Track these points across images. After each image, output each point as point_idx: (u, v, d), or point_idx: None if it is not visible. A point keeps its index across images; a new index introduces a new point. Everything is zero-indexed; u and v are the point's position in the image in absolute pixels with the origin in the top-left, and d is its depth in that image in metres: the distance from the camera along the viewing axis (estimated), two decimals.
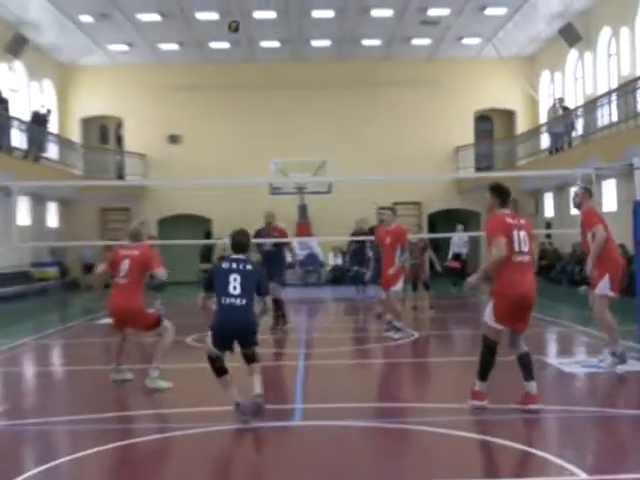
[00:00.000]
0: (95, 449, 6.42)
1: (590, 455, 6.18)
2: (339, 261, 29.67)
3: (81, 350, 13.66)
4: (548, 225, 28.03)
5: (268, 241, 14.15)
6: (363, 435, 7.04)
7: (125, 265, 9.22)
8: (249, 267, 7.71)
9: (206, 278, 8.15)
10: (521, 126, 32.22)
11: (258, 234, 14.21)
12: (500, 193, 7.82)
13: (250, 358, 7.46)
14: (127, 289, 9.28)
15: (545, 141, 28.33)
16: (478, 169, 30.94)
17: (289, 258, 16.64)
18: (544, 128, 28.57)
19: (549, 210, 29.43)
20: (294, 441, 6.99)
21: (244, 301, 7.47)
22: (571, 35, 26.26)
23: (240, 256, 7.80)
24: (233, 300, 7.45)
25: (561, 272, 24.51)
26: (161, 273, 9.45)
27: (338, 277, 29.00)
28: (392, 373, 10.81)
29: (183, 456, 6.53)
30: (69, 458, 6.27)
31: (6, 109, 24.41)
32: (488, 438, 6.52)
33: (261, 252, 14.27)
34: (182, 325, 14.66)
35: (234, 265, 7.65)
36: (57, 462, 6.15)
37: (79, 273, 29.17)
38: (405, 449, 6.64)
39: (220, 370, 7.50)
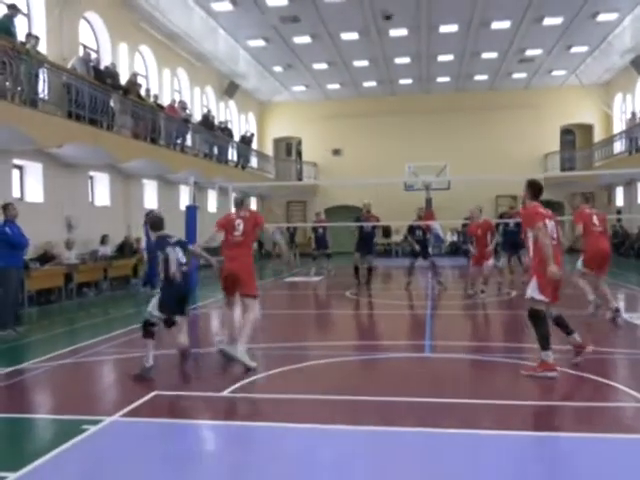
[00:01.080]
0: (282, 368, 6.69)
1: None
2: (455, 238, 29.24)
3: (273, 299, 14.10)
4: (619, 212, 26.24)
5: (366, 224, 14.16)
6: (472, 364, 6.94)
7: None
8: None
9: None
10: (597, 136, 30.25)
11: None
12: (533, 188, 6.46)
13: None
14: None
15: (617, 147, 26.47)
16: (562, 170, 29.41)
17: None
18: (621, 135, 26.64)
19: (619, 200, 27.49)
20: (425, 366, 6.96)
21: None
22: None
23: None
24: None
25: (630, 248, 22.92)
26: None
27: (454, 250, 28.64)
28: (494, 321, 10.58)
29: (346, 374, 6.64)
30: (265, 374, 6.53)
31: (230, 135, 25.61)
32: (573, 372, 6.24)
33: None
34: (343, 282, 14.99)
35: None
36: (258, 376, 6.39)
37: (271, 246, 30.14)
38: (501, 376, 6.49)
39: None
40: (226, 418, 5.14)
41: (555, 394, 5.76)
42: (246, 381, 6.16)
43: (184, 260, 6.65)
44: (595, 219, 8.91)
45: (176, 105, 20.24)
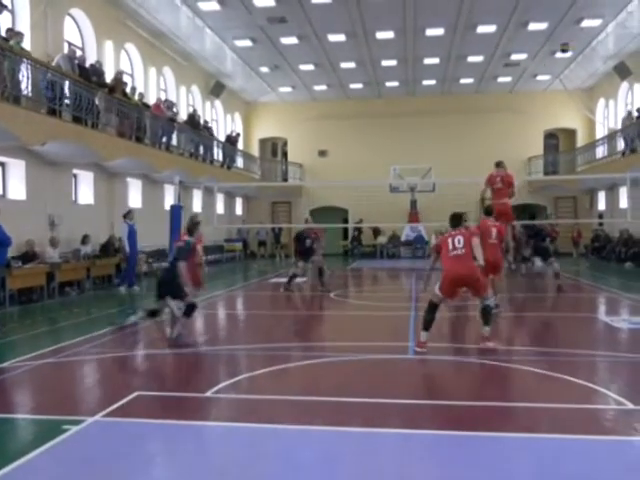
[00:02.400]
0: (265, 369, 6.67)
1: (635, 390, 5.81)
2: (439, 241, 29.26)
3: (257, 300, 14.11)
4: (600, 216, 26.51)
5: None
6: (458, 367, 6.97)
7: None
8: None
9: None
10: (580, 141, 30.57)
11: (302, 234, 14.60)
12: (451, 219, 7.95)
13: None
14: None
15: (599, 152, 26.76)
16: (546, 173, 29.68)
17: None
18: (604, 140, 26.94)
19: (602, 204, 27.78)
20: (407, 369, 6.97)
21: None
22: (623, 71, 24.56)
23: None
24: None
25: (611, 252, 23.15)
26: None
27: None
28: (477, 323, 10.58)
29: (328, 376, 6.66)
30: (249, 374, 6.51)
31: (211, 134, 25.51)
32: (551, 373, 6.28)
33: (302, 246, 14.43)
34: (329, 284, 14.92)
35: None
36: (242, 377, 6.39)
37: (256, 247, 30.10)
38: (485, 377, 6.53)
39: None
40: (209, 419, 5.10)
41: (537, 396, 5.80)
42: (230, 382, 6.14)
43: None
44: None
45: (162, 104, 20.13)
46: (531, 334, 9.38)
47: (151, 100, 20.39)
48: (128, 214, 14.87)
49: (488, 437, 4.55)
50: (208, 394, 5.63)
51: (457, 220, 7.86)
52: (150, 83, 21.43)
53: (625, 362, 6.98)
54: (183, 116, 23.36)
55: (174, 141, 20.55)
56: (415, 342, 7.62)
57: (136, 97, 18.50)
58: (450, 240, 7.63)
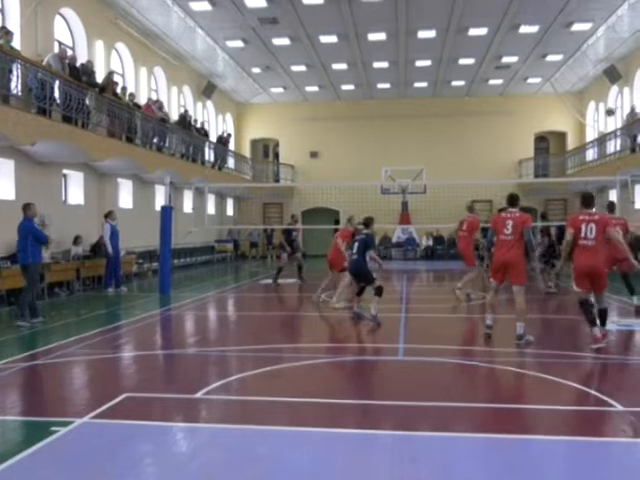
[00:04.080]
0: (256, 371, 6.67)
1: (624, 392, 5.87)
2: (430, 242, 29.33)
3: (248, 301, 14.09)
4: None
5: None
6: (446, 368, 6.98)
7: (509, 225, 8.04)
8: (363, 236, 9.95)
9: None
10: (571, 144, 30.77)
11: (289, 231, 16.40)
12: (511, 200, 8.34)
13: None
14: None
15: (589, 155, 26.93)
16: (536, 176, 29.85)
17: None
18: (594, 143, 27.13)
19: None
20: (398, 370, 6.96)
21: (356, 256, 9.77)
22: (613, 74, 24.77)
23: (364, 230, 9.99)
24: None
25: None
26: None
27: (429, 254, 28.78)
28: (469, 324, 10.65)
29: (319, 376, 6.66)
30: (239, 376, 6.50)
31: (206, 134, 25.47)
32: (540, 375, 6.34)
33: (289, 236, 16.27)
34: (317, 285, 14.96)
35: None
36: (231, 378, 6.38)
37: (247, 248, 30.07)
38: (473, 379, 6.57)
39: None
40: (199, 420, 5.08)
41: (526, 397, 5.83)
42: (220, 383, 6.12)
43: None
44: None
45: (153, 104, 20.07)
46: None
47: (142, 100, 20.32)
48: (110, 214, 14.82)
49: (480, 438, 4.57)
50: (198, 395, 5.62)
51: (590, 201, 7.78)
52: (141, 83, 21.37)
53: (613, 364, 7.03)
54: (174, 116, 23.30)
55: (166, 141, 20.51)
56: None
57: (127, 97, 18.43)
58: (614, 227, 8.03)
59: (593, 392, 5.73)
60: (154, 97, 21.90)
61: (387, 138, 30.61)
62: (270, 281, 16.96)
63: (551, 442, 4.47)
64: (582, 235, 7.42)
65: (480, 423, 4.95)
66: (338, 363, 7.22)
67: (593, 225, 7.41)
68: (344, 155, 30.81)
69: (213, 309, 12.82)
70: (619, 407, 5.20)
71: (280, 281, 16.35)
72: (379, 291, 9.68)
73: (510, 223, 8.11)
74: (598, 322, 7.63)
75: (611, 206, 11.20)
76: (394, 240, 29.23)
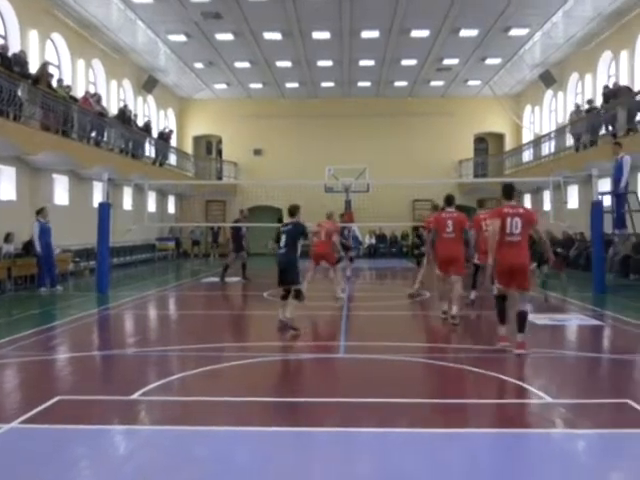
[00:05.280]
0: (196, 370, 6.58)
1: (554, 384, 6.09)
2: (373, 241, 29.75)
3: (189, 300, 13.91)
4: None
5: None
6: (386, 365, 7.04)
7: None
8: (290, 227, 8.92)
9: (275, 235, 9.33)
10: (509, 145, 31.76)
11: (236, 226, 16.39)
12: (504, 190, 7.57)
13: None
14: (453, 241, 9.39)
15: (526, 156, 27.90)
16: (475, 176, 30.66)
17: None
18: (529, 145, 28.11)
19: (527, 206, 28.94)
20: (340, 367, 7.01)
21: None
22: (548, 79, 25.70)
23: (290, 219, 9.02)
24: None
25: (535, 252, 24.03)
26: None
27: (372, 252, 29.16)
28: (409, 321, 10.82)
29: (261, 375, 6.62)
30: (178, 376, 6.40)
31: (147, 130, 24.91)
32: (478, 370, 6.50)
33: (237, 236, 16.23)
34: (261, 284, 14.90)
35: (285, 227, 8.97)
36: (170, 378, 6.26)
37: (189, 246, 29.62)
38: (414, 375, 6.67)
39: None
40: (135, 422, 4.96)
41: (462, 392, 5.98)
42: (159, 383, 6.00)
43: None
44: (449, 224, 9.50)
45: (90, 98, 19.49)
46: (458, 332, 9.62)
47: (79, 93, 19.70)
48: (41, 212, 14.23)
49: (420, 433, 4.65)
50: (134, 396, 5.49)
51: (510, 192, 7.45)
52: (78, 76, 20.70)
53: (546, 358, 7.28)
54: (114, 111, 22.70)
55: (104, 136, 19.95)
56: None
57: (63, 90, 17.81)
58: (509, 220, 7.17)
59: (524, 385, 5.92)
60: (92, 90, 21.27)
61: (331, 137, 30.77)
62: (214, 279, 16.78)
63: (484, 435, 4.59)
64: (507, 231, 7.05)
65: (418, 418, 5.04)
66: (279, 361, 7.21)
67: (518, 220, 7.06)
68: (288, 153, 30.78)
69: (153, 308, 12.57)
70: (548, 399, 5.39)
71: (226, 279, 16.20)
72: (299, 295, 8.80)
73: (450, 222, 9.35)
74: (518, 328, 7.18)
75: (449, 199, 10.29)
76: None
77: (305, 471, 3.98)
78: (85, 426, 4.78)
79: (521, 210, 7.26)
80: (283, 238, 8.88)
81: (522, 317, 7.16)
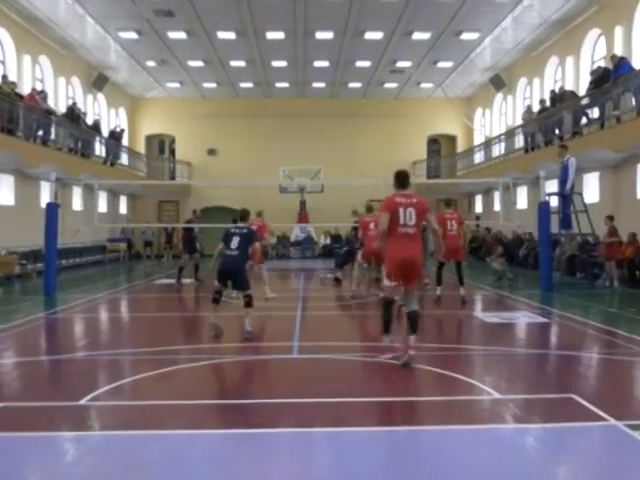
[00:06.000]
0: (148, 373, 6.48)
1: (503, 381, 6.23)
2: (328, 241, 29.82)
3: (141, 302, 13.67)
4: (477, 218, 28.16)
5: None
6: (339, 364, 7.05)
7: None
8: (245, 231, 8.64)
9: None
10: (461, 147, 32.35)
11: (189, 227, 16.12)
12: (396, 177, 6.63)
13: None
14: None
15: (477, 157, 28.50)
16: (429, 177, 31.11)
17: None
18: (480, 147, 28.72)
19: (478, 207, 29.58)
20: (294, 368, 6.97)
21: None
22: (498, 83, 26.33)
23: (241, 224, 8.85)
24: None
25: (486, 252, 24.55)
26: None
27: (327, 253, 29.23)
28: (362, 320, 10.88)
29: (215, 377, 6.58)
30: (129, 379, 6.29)
31: (96, 128, 24.35)
32: (430, 368, 6.59)
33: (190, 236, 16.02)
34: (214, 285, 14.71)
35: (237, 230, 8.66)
36: (120, 382, 6.14)
37: (141, 247, 29.14)
38: (366, 374, 6.67)
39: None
40: (82, 428, 4.82)
41: (414, 390, 6.06)
42: (107, 388, 5.87)
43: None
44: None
45: (37, 95, 18.92)
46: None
47: (25, 90, 19.10)
48: None
49: (373, 431, 4.68)
50: (82, 402, 5.34)
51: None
52: (24, 72, 20.08)
53: (495, 355, 7.45)
54: (62, 109, 22.11)
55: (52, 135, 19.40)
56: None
57: (8, 86, 17.25)
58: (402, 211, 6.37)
59: (474, 382, 6.03)
60: (39, 87, 20.66)
61: (286, 137, 30.71)
62: (167, 281, 16.54)
63: (435, 432, 4.66)
64: (401, 222, 6.30)
65: (370, 417, 5.08)
66: (233, 363, 7.15)
67: (412, 210, 6.35)
68: (243, 153, 30.59)
69: (104, 311, 12.29)
70: (497, 395, 5.52)
71: (172, 281, 15.99)
72: (250, 301, 8.32)
73: (410, 211, 8.84)
74: (409, 329, 6.46)
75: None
76: (292, 239, 29.41)
77: (259, 473, 3.95)
78: (31, 433, 4.63)
79: (415, 199, 6.44)
80: (236, 240, 8.47)
81: (414, 317, 6.39)
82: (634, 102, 14.90)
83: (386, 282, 6.63)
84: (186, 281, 16.06)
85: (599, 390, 6.00)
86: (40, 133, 18.53)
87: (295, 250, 29.19)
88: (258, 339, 8.48)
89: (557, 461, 4.14)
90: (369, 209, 13.77)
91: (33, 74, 20.86)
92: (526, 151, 21.50)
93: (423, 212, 6.42)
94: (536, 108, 21.83)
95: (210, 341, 8.26)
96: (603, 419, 4.77)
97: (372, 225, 11.53)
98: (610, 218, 15.36)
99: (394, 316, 6.70)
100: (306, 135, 30.93)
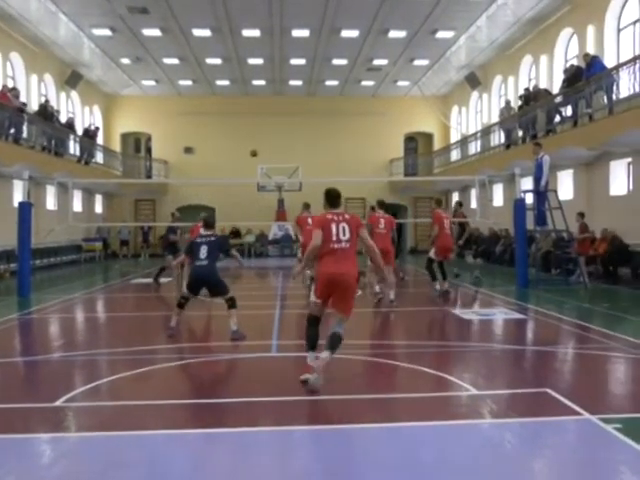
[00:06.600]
0: (125, 374, 6.44)
1: (480, 377, 6.29)
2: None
3: (118, 302, 13.54)
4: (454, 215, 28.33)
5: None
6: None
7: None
8: (213, 238, 8.47)
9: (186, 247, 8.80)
10: (437, 144, 32.55)
11: (169, 229, 15.04)
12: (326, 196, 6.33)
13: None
14: None
15: (454, 155, 28.73)
16: (406, 175, 31.28)
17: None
18: (457, 144, 28.97)
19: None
20: (273, 366, 6.95)
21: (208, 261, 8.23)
22: (473, 81, 26.55)
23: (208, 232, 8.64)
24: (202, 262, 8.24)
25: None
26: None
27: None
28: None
29: (194, 377, 6.55)
30: (106, 380, 6.24)
31: (70, 126, 24.02)
32: (408, 365, 6.64)
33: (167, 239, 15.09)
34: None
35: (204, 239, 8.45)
36: (97, 383, 6.10)
37: (117, 247, 28.85)
38: (345, 371, 6.69)
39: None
40: (57, 430, 4.76)
41: (392, 387, 6.09)
42: (84, 389, 5.81)
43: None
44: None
45: (8, 93, 18.59)
46: (387, 328, 9.82)
47: None
48: None
49: (352, 429, 4.70)
50: (57, 403, 5.28)
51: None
52: None
53: (472, 351, 7.53)
54: (34, 106, 21.76)
55: (24, 133, 19.08)
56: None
57: None
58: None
59: (452, 378, 6.09)
60: (10, 84, 20.30)
61: (263, 135, 30.58)
62: (144, 280, 16.39)
63: (413, 428, 4.70)
64: (334, 238, 5.93)
65: (349, 414, 5.09)
66: (211, 362, 7.12)
67: (345, 225, 6.03)
68: (220, 151, 30.41)
69: (80, 311, 12.15)
70: (475, 391, 5.58)
71: (149, 280, 15.83)
72: (233, 302, 8.31)
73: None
74: (326, 344, 5.81)
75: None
76: (270, 237, 29.33)
77: (238, 472, 3.94)
78: (5, 435, 4.56)
79: (347, 216, 6.17)
80: (204, 249, 8.29)
81: (335, 338, 5.82)
82: (606, 100, 15.15)
83: (312, 298, 6.17)
84: (163, 280, 15.92)
85: (573, 385, 6.10)
86: (12, 131, 18.22)
87: (273, 248, 29.11)
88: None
89: (533, 455, 4.19)
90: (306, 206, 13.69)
91: (4, 71, 20.49)
92: (507, 147, 21.67)
93: (357, 227, 6.09)
94: (515, 104, 22.05)
95: (187, 341, 8.22)
96: (577, 413, 4.85)
97: (309, 220, 11.19)
98: (581, 215, 15.62)
99: (317, 335, 6.05)
100: (284, 133, 30.85)
